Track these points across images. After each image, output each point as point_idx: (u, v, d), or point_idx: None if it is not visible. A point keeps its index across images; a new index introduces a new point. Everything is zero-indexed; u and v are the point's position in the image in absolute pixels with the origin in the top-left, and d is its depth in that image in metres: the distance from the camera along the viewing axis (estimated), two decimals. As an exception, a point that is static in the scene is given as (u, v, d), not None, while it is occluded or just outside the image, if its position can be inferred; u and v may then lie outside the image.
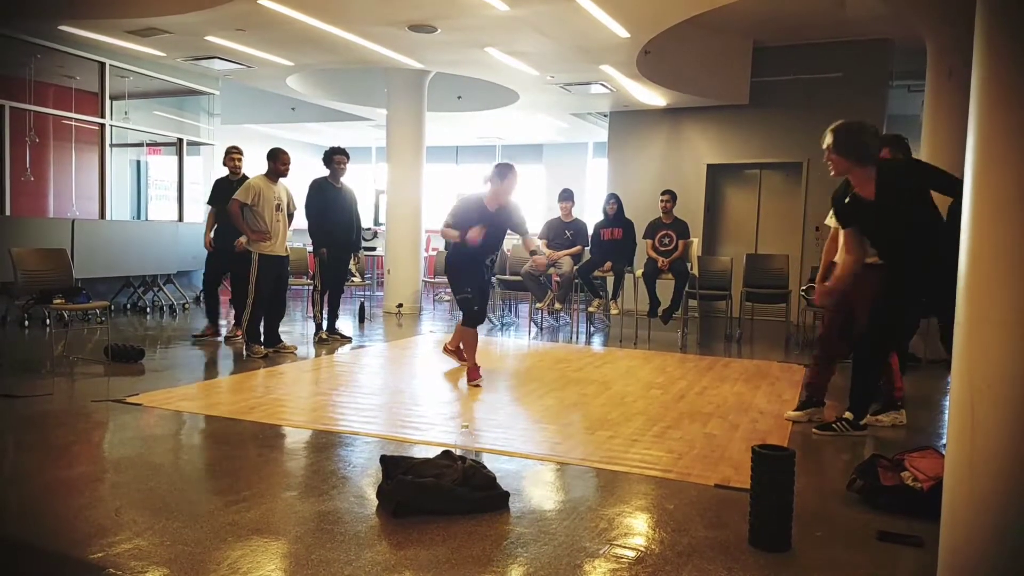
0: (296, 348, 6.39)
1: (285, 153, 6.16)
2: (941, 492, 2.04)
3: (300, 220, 6.71)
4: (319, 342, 6.85)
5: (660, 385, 5.29)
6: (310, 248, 7.03)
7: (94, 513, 2.71)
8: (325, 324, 7.00)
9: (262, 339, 6.12)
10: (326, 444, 3.70)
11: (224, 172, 7.02)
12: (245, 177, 6.56)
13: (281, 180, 6.17)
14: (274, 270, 6.09)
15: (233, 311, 6.79)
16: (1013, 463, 1.82)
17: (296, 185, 6.48)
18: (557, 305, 7.90)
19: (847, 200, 3.78)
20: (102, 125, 9.07)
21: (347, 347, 6.74)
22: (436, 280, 10.00)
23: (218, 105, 10.66)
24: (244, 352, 6.08)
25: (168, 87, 9.84)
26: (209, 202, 7.03)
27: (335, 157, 6.78)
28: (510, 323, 9.03)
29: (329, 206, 6.75)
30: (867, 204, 3.69)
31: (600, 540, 2.58)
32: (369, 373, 5.71)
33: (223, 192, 6.66)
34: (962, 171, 1.99)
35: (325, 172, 6.83)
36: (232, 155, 6.91)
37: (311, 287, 7.15)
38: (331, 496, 2.94)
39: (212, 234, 6.90)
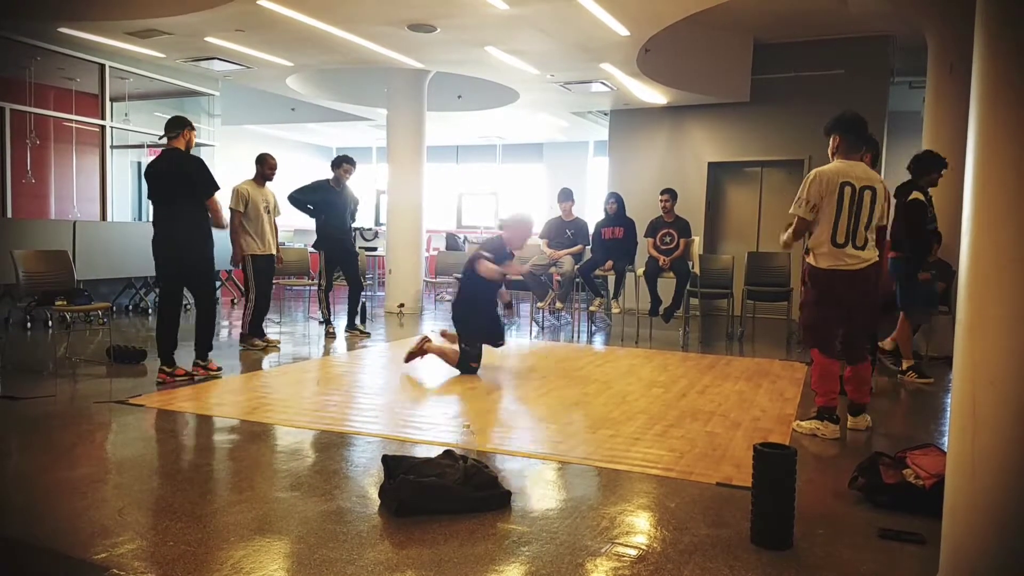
0: (279, 342, 6.59)
1: (272, 158, 6.40)
2: (943, 490, 2.05)
3: (303, 220, 6.79)
4: (328, 335, 7.19)
5: (661, 384, 5.29)
6: (311, 248, 7.16)
7: (97, 514, 2.71)
8: (335, 319, 7.35)
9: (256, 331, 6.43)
10: (328, 444, 3.71)
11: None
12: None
13: (267, 183, 6.41)
14: (266, 268, 6.37)
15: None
16: (1015, 460, 1.82)
17: (291, 184, 6.64)
18: (558, 304, 7.91)
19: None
20: (102, 127, 9.08)
21: (339, 345, 6.75)
22: (437, 280, 10.01)
23: (218, 106, 10.66)
24: (241, 346, 6.35)
25: (168, 88, 9.84)
26: (161, 197, 4.88)
27: (344, 165, 7.04)
28: (511, 322, 9.02)
29: (325, 206, 6.97)
30: None
31: (602, 539, 2.58)
32: (371, 373, 5.71)
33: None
34: (963, 167, 1.99)
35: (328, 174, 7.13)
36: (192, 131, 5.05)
37: (315, 286, 7.43)
38: (333, 496, 2.94)
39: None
